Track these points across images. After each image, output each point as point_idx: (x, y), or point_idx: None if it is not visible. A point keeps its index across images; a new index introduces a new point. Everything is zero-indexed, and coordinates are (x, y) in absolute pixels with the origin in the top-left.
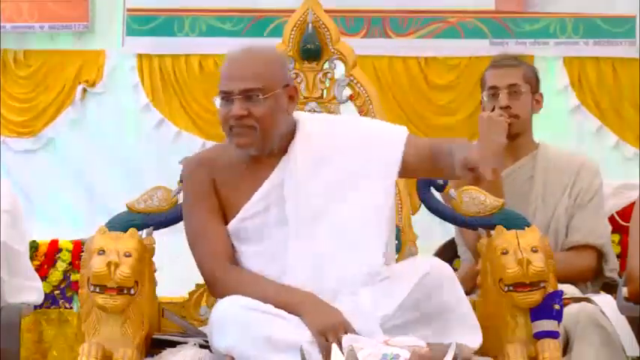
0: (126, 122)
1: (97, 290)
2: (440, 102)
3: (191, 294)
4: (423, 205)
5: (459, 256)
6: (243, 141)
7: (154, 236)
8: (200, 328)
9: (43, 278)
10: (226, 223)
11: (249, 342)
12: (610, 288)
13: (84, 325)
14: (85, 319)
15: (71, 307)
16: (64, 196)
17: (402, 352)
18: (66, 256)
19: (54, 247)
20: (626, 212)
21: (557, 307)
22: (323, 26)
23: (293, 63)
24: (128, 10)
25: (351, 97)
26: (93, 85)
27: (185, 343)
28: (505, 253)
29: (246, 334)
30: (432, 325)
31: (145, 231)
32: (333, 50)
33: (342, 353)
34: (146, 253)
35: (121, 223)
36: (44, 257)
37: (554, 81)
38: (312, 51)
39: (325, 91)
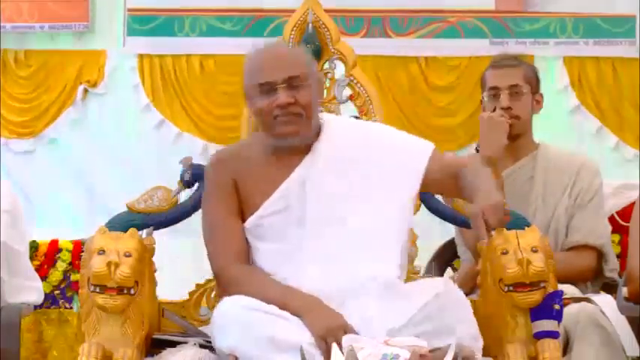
0: (126, 123)
1: (97, 290)
2: (440, 103)
3: (191, 294)
4: (423, 205)
5: (458, 256)
6: (291, 129)
7: (154, 236)
8: (200, 328)
9: (43, 278)
10: (244, 220)
11: (251, 342)
12: (610, 288)
13: (84, 325)
14: (85, 319)
15: (71, 307)
16: (64, 196)
17: (402, 352)
18: (66, 256)
19: (54, 247)
20: (626, 212)
21: (557, 307)
22: (323, 26)
23: None
24: (128, 10)
25: (351, 97)
26: (94, 85)
27: (185, 343)
28: (505, 253)
29: (248, 334)
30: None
31: (145, 231)
32: (333, 50)
33: (342, 353)
34: (146, 253)
35: (121, 223)
36: (44, 257)
37: (555, 81)
38: (312, 51)
39: (325, 91)
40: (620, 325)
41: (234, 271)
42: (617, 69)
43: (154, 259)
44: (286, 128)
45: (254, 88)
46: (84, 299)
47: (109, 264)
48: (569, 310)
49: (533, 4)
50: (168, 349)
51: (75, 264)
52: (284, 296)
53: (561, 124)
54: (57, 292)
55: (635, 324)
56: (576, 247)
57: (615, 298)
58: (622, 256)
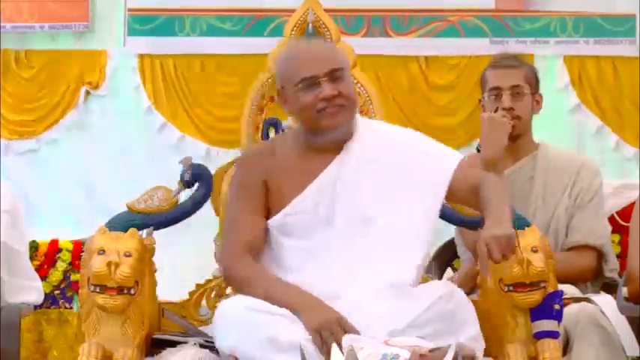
0: (128, 125)
1: (97, 290)
2: (440, 102)
3: (191, 294)
4: None
5: (458, 256)
6: (337, 121)
7: (154, 236)
8: (200, 328)
9: (43, 278)
10: (268, 217)
11: (252, 342)
12: (610, 288)
13: (84, 325)
14: (85, 319)
15: (71, 307)
16: (64, 196)
17: (402, 352)
18: (66, 256)
19: (54, 247)
20: (626, 212)
21: (557, 307)
22: (323, 26)
23: None
24: (129, 9)
25: None
26: (96, 87)
27: (185, 342)
28: None
29: (250, 334)
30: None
31: (145, 231)
32: None
33: (342, 353)
34: (146, 253)
35: (121, 223)
36: (44, 257)
37: (555, 80)
38: None
39: None
40: (620, 325)
41: (239, 263)
42: (618, 68)
43: (154, 259)
44: (332, 120)
45: (294, 86)
46: (84, 299)
47: (109, 264)
48: (569, 310)
49: (534, 3)
50: (169, 349)
51: (75, 264)
52: (284, 293)
53: (562, 123)
54: (57, 292)
55: (635, 324)
56: (576, 247)
57: (615, 298)
58: (622, 256)
